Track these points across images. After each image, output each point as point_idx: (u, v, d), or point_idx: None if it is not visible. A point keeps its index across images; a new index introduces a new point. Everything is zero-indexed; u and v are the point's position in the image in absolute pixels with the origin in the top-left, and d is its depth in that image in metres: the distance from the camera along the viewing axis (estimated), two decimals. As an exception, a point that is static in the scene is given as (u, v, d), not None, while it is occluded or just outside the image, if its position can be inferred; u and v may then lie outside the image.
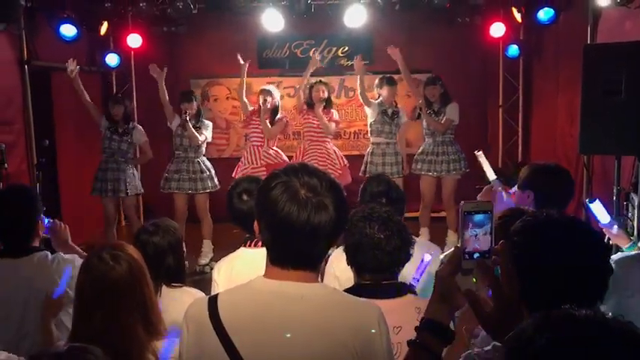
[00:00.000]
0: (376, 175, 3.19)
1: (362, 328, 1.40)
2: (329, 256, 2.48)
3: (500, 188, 2.83)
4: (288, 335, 1.36)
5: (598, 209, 2.87)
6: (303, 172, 1.39)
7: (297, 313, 1.38)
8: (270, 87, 6.21)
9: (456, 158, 5.91)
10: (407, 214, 3.03)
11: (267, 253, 1.44)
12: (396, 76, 6.18)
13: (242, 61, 6.00)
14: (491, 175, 3.00)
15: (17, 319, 2.47)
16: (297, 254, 1.40)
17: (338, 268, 2.45)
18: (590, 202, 2.92)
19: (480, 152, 3.27)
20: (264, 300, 1.40)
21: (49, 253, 2.65)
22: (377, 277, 2.04)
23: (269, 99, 5.92)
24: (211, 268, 5.57)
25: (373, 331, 1.40)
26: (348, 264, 2.13)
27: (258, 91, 6.21)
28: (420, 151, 6.11)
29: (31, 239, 2.64)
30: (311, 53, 6.44)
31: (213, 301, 1.43)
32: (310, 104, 6.04)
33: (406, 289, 2.08)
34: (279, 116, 6.07)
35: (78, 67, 5.62)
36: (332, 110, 6.19)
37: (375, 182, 2.94)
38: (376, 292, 1.63)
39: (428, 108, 5.92)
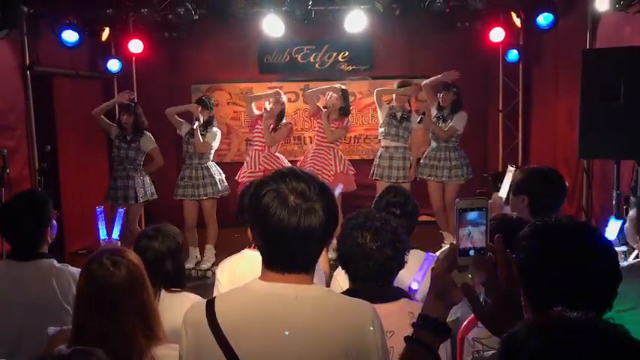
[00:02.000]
0: (395, 186, 3.21)
1: (356, 327, 1.42)
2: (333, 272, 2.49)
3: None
4: (285, 336, 1.38)
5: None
6: (291, 177, 1.41)
7: (291, 315, 1.40)
8: (279, 90, 6.24)
9: (458, 164, 5.93)
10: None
11: (262, 258, 1.47)
12: (415, 81, 6.23)
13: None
14: (503, 192, 3.04)
15: (18, 320, 2.50)
16: (289, 258, 1.43)
17: (344, 283, 2.46)
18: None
19: (513, 168, 3.32)
20: (260, 302, 1.43)
21: (54, 261, 2.68)
22: (370, 284, 2.04)
23: (266, 103, 5.97)
24: (213, 273, 5.64)
25: (368, 329, 1.42)
26: (342, 269, 2.14)
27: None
28: (424, 155, 6.14)
29: (39, 245, 2.67)
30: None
31: (210, 305, 1.46)
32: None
33: (400, 293, 2.08)
34: (284, 122, 6.10)
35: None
36: (347, 119, 6.18)
37: (394, 192, 2.93)
38: (370, 297, 1.64)
39: (438, 112, 5.95)
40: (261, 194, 1.40)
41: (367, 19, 6.26)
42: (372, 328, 1.43)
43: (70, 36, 6.02)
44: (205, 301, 1.50)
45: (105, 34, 6.82)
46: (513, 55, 6.98)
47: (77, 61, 6.70)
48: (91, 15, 6.46)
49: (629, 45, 4.56)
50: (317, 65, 7.67)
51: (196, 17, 6.26)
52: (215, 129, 5.91)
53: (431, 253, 2.55)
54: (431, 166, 6.01)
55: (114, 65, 6.96)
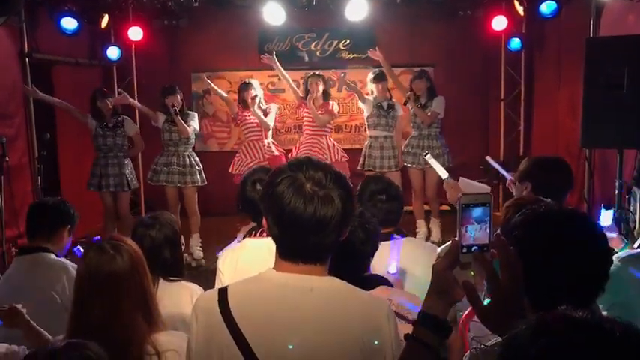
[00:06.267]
0: (374, 175, 3.27)
1: (372, 321, 1.42)
2: None
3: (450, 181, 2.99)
4: (299, 327, 1.37)
5: None
6: (308, 166, 1.39)
7: (307, 306, 1.39)
8: (251, 80, 6.23)
9: (440, 153, 5.93)
10: (405, 208, 3.06)
11: (277, 248, 1.45)
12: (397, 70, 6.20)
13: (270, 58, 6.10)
14: (442, 173, 3.17)
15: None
16: (305, 248, 1.41)
17: None
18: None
19: (428, 154, 3.45)
20: (274, 292, 1.42)
21: (53, 255, 2.80)
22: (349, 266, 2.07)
23: (252, 92, 5.95)
24: (205, 261, 5.66)
25: (384, 324, 1.42)
26: None
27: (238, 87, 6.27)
28: (406, 143, 6.17)
29: (52, 242, 2.87)
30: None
31: (223, 293, 1.44)
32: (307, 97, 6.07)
33: (379, 280, 2.10)
34: (264, 107, 6.11)
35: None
36: (331, 102, 6.17)
37: (374, 181, 2.99)
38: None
39: (415, 101, 5.95)
40: (277, 182, 1.38)
41: (368, 6, 6.22)
42: (387, 323, 1.42)
43: (69, 23, 5.98)
44: (217, 289, 1.49)
45: (104, 22, 6.78)
46: (516, 43, 6.93)
47: (76, 48, 6.66)
48: (90, 2, 6.42)
49: (633, 33, 4.52)
50: (318, 53, 7.62)
51: (196, 4, 6.22)
52: (192, 112, 5.94)
53: (394, 236, 2.60)
54: (414, 154, 6.04)
55: (113, 53, 6.93)
